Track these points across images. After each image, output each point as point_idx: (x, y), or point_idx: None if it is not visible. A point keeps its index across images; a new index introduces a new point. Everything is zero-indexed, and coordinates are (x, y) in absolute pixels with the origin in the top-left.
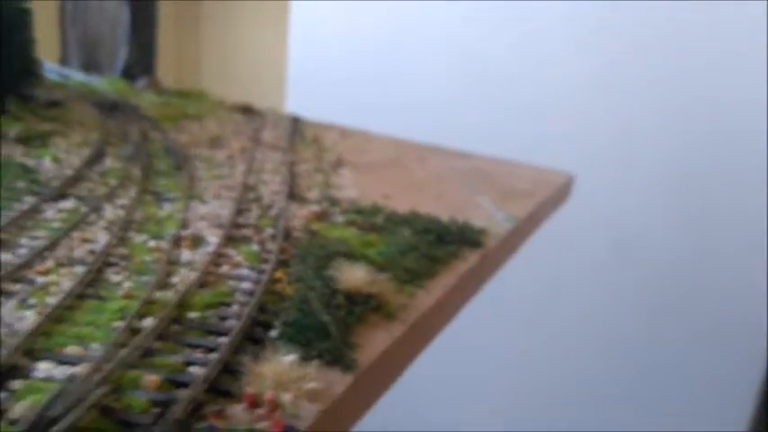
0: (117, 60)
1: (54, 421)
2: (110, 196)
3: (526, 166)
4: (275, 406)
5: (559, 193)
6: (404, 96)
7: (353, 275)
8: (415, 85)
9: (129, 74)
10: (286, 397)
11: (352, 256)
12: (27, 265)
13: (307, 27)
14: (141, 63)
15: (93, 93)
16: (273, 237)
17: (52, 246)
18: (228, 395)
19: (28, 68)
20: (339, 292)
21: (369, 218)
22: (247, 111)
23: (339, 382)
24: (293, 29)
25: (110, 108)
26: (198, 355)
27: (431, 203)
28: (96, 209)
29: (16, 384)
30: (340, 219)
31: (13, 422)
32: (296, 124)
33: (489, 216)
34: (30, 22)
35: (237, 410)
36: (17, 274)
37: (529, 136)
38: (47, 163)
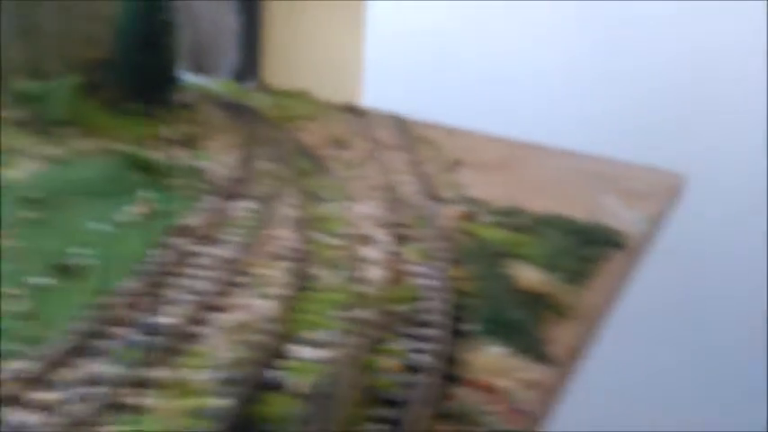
0: (224, 63)
1: (327, 397)
2: (276, 196)
3: (635, 165)
4: (498, 392)
5: (678, 194)
6: (479, 92)
7: (526, 275)
8: (492, 81)
9: (238, 76)
10: (504, 384)
11: (512, 256)
12: (240, 259)
13: (384, 24)
14: (249, 65)
15: (215, 96)
16: (433, 236)
17: (254, 242)
18: (453, 380)
19: (170, 76)
20: (519, 290)
21: (513, 219)
22: (353, 110)
23: (544, 372)
24: (371, 26)
25: (233, 110)
26: (414, 343)
27: (560, 204)
28: (271, 208)
29: (283, 364)
30: (487, 219)
31: (293, 396)
32: (401, 123)
33: (621, 217)
34: (173, 34)
35: (465, 394)
36: (238, 267)
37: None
38: (208, 164)
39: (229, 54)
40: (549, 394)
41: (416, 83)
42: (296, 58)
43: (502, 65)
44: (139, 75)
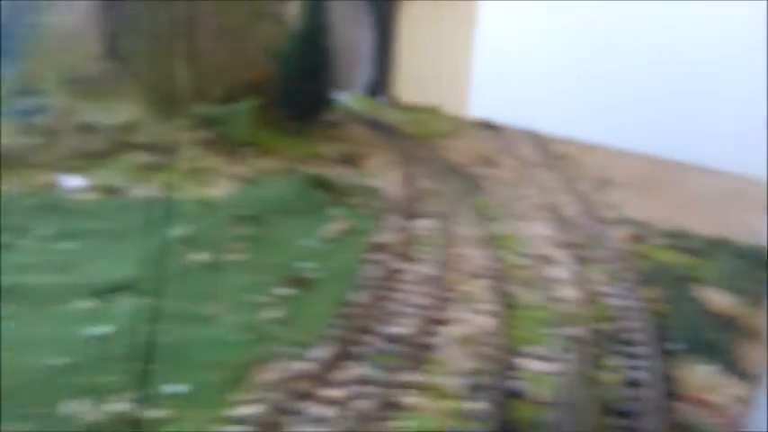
0: (357, 78)
1: (572, 406)
2: (449, 215)
3: None
4: (713, 406)
5: None
6: (587, 98)
7: (713, 297)
8: (600, 87)
9: (371, 91)
10: (717, 399)
11: (692, 278)
12: (443, 277)
13: (493, 32)
14: (382, 80)
15: (355, 113)
16: (612, 257)
17: (448, 260)
18: (671, 395)
19: (327, 98)
20: (710, 312)
21: (683, 242)
22: (487, 126)
23: (748, 388)
24: (480, 34)
25: (376, 127)
26: (627, 360)
27: (716, 225)
28: (449, 227)
29: (517, 375)
30: (657, 242)
31: (536, 404)
32: (537, 139)
33: None
34: (330, 60)
35: (684, 408)
36: (444, 284)
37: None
38: (376, 182)
39: (364, 70)
40: (752, 407)
41: (523, 92)
42: (418, 72)
43: (610, 70)
44: (301, 98)
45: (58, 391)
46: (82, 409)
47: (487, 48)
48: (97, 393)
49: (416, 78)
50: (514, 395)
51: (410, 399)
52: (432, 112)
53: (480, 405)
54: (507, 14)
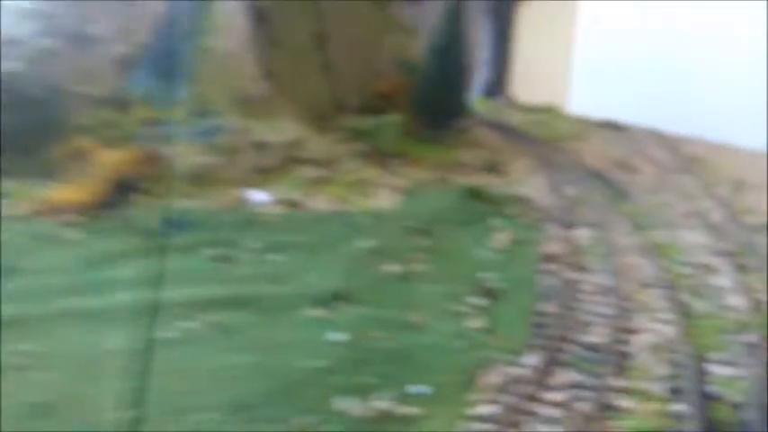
0: (477, 80)
1: (763, 407)
2: (605, 223)
3: None
4: None
5: None
6: (689, 94)
7: None
8: (701, 82)
9: (489, 92)
10: None
11: None
12: (619, 287)
13: (592, 26)
14: (499, 81)
15: (480, 117)
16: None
17: (618, 270)
18: None
19: (464, 107)
20: None
21: None
22: (611, 126)
23: None
24: (580, 28)
25: (504, 131)
26: None
27: None
28: (608, 235)
29: (710, 379)
30: None
31: (732, 406)
32: (664, 140)
33: None
34: (467, 70)
35: None
36: (621, 294)
37: None
38: (525, 190)
39: (482, 71)
40: None
41: (623, 87)
42: (525, 71)
43: (710, 66)
44: (438, 106)
45: (327, 390)
46: (351, 405)
47: (588, 46)
48: (359, 392)
49: (524, 77)
50: (711, 398)
51: (622, 402)
52: (549, 111)
53: (682, 407)
54: (607, 13)
